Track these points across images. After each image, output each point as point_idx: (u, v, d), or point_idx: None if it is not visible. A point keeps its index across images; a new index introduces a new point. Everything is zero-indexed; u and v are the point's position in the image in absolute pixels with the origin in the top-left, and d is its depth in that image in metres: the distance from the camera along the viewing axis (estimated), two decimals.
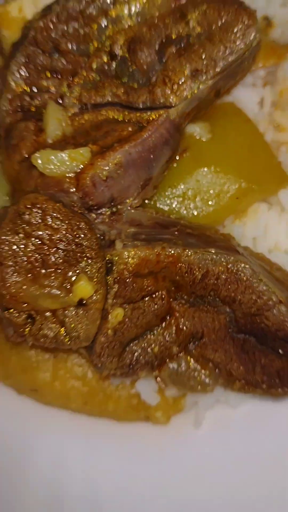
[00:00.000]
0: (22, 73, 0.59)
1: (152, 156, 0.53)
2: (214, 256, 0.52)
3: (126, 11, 0.55)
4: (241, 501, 0.56)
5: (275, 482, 0.56)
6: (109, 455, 0.59)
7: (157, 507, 0.54)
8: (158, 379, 0.62)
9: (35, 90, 0.59)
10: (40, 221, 0.48)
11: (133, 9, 0.55)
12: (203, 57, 0.53)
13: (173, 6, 0.55)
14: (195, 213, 0.58)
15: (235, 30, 0.53)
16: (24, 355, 0.61)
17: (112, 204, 0.57)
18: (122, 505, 0.56)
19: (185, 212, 0.58)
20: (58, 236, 0.49)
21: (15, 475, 0.57)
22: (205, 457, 0.57)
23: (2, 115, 0.58)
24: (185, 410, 0.62)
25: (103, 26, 0.56)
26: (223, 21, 0.54)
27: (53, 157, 0.52)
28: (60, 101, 0.55)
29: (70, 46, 0.56)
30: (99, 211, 0.56)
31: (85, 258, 0.50)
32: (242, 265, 0.52)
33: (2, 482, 0.57)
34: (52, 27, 0.56)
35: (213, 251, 0.52)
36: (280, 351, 0.53)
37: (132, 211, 0.58)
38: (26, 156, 0.54)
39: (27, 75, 0.59)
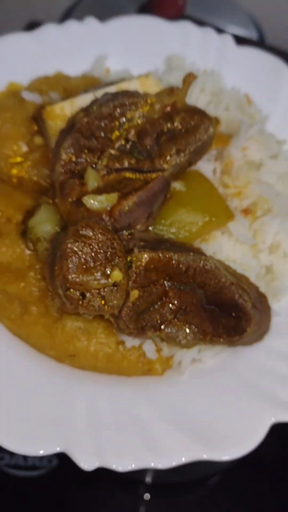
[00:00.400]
0: (70, 149, 0.81)
1: (153, 199, 0.79)
2: (192, 257, 0.76)
3: (136, 115, 0.81)
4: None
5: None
6: (125, 395, 0.84)
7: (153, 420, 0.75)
8: (156, 340, 0.90)
9: (78, 159, 0.83)
10: (90, 234, 0.77)
11: (140, 113, 0.81)
12: (183, 143, 0.80)
13: (164, 112, 0.83)
14: (178, 235, 0.83)
15: (201, 127, 0.81)
16: (67, 331, 0.80)
17: (129, 227, 0.80)
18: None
19: (171, 235, 0.84)
20: (101, 244, 0.77)
21: None
22: (186, 390, 0.79)
23: (57, 175, 0.81)
24: (173, 366, 0.82)
25: (122, 122, 0.81)
26: (194, 122, 0.81)
27: (96, 198, 0.76)
28: (94, 166, 0.86)
29: (101, 134, 0.81)
30: (121, 232, 0.85)
31: (117, 257, 0.77)
32: (209, 261, 0.76)
33: None
34: (91, 122, 0.80)
35: (192, 254, 0.79)
36: (233, 314, 0.77)
37: (140, 233, 0.89)
38: (75, 199, 0.83)
39: (73, 150, 0.81)
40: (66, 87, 1.01)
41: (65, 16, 1.35)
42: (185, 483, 1.10)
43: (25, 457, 1.13)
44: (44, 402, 0.76)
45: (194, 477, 1.12)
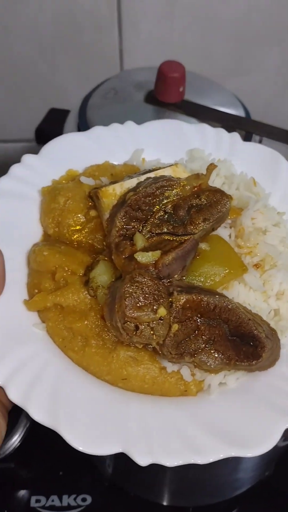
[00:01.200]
0: (123, 219, 1.06)
1: (187, 255, 0.92)
2: (218, 298, 0.95)
3: (172, 193, 1.03)
4: None
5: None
6: (166, 408, 1.02)
7: (191, 428, 0.94)
8: (191, 367, 1.10)
9: (128, 226, 1.17)
10: (142, 280, 1.00)
11: (175, 193, 1.05)
12: (208, 213, 1.04)
13: (193, 191, 1.17)
14: (205, 284, 1.06)
15: (221, 202, 1.04)
16: (121, 359, 0.98)
17: (169, 277, 1.10)
18: None
19: (200, 283, 1.06)
20: (150, 288, 0.99)
21: None
22: (215, 405, 0.96)
23: (113, 238, 1.01)
24: (204, 388, 1.00)
25: (162, 199, 1.02)
26: (216, 198, 1.05)
27: (144, 255, 0.97)
28: (141, 231, 1.12)
29: (146, 208, 1.04)
30: (163, 280, 1.09)
31: (162, 298, 0.99)
32: (232, 302, 0.97)
33: None
34: (138, 199, 1.03)
35: (217, 296, 1.04)
36: (251, 343, 0.91)
37: (177, 280, 1.13)
38: (128, 255, 1.08)
39: (125, 220, 1.03)
40: (113, 173, 1.28)
41: (83, 103, 1.58)
42: None
43: (60, 498, 1.26)
44: (104, 414, 0.94)
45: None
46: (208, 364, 0.99)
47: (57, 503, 1.19)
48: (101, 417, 0.94)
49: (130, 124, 1.39)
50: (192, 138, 1.38)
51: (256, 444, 0.91)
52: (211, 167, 1.10)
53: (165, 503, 1.21)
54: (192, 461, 0.89)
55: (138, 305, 0.95)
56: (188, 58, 1.69)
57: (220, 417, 0.96)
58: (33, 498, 1.16)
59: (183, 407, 0.99)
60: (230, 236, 1.19)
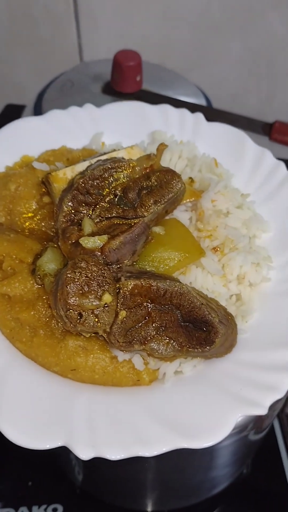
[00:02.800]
0: (70, 203, 1.06)
1: (136, 239, 0.91)
2: (169, 283, 0.91)
3: (122, 175, 1.00)
4: None
5: None
6: (118, 399, 0.97)
7: (141, 419, 0.89)
8: (143, 355, 1.05)
9: (76, 211, 1.13)
10: (86, 266, 0.96)
11: (125, 174, 1.00)
12: (159, 195, 1.00)
13: (143, 173, 1.12)
14: (159, 269, 0.99)
15: (172, 182, 1.01)
16: (69, 349, 0.94)
17: (118, 262, 1.05)
18: None
19: (153, 268, 0.99)
20: (94, 273, 0.95)
21: None
22: (168, 395, 0.92)
23: (60, 223, 1.01)
24: (159, 377, 0.96)
25: (111, 181, 0.99)
26: (167, 179, 1.02)
27: (90, 239, 0.96)
28: (89, 216, 1.08)
29: (94, 191, 1.02)
30: (111, 266, 1.05)
31: (107, 284, 0.95)
32: (184, 287, 0.91)
33: None
34: (86, 182, 1.00)
35: (168, 281, 0.99)
36: (204, 328, 0.91)
37: (127, 266, 1.08)
38: (74, 241, 1.04)
39: (72, 204, 1.04)
40: (69, 157, 1.24)
41: (39, 96, 1.56)
42: None
43: (29, 509, 1.18)
44: (49, 407, 0.90)
45: None
46: (159, 351, 0.94)
47: None
48: (45, 411, 0.90)
49: (89, 107, 1.34)
50: (154, 119, 1.34)
51: (206, 435, 0.86)
52: (161, 147, 1.05)
53: (141, 509, 1.16)
54: (138, 454, 0.85)
55: (81, 292, 0.91)
56: (149, 51, 1.65)
57: (171, 407, 0.91)
58: (1, 511, 1.12)
59: (133, 397, 0.94)
60: (190, 219, 1.16)
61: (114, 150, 1.17)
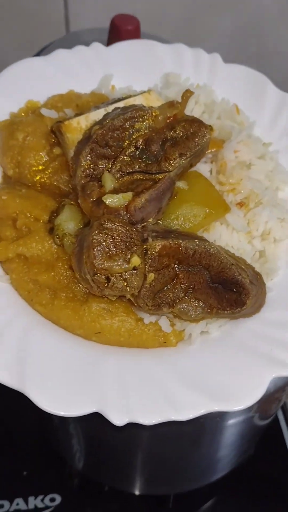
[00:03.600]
0: (88, 157, 0.93)
1: (162, 196, 0.86)
2: (197, 243, 0.86)
3: (143, 126, 0.93)
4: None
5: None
6: (145, 361, 0.93)
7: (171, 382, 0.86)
8: (170, 317, 1.03)
9: (95, 165, 0.95)
10: (112, 227, 0.90)
11: (147, 124, 0.94)
12: (184, 147, 0.93)
13: (167, 122, 0.97)
14: (184, 227, 0.93)
15: (199, 134, 0.94)
16: (93, 312, 0.91)
17: (142, 221, 0.99)
18: None
19: (178, 227, 0.95)
20: (121, 235, 0.89)
21: None
22: (196, 357, 0.90)
23: (79, 179, 0.91)
24: (185, 338, 0.94)
25: (132, 132, 0.93)
26: (193, 129, 0.94)
27: (114, 197, 0.88)
28: (110, 171, 1.00)
29: (114, 143, 0.93)
30: (136, 225, 0.99)
31: (135, 246, 0.89)
32: (212, 246, 0.87)
33: None
34: (105, 133, 0.92)
35: (197, 241, 0.94)
36: (234, 290, 0.86)
37: (152, 224, 1.02)
38: (95, 199, 0.97)
39: (91, 158, 0.92)
40: (78, 103, 1.15)
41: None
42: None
43: (25, 500, 1.11)
44: (78, 372, 0.87)
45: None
46: (188, 313, 0.91)
47: (22, 506, 1.07)
48: (73, 375, 0.87)
49: (97, 46, 1.22)
50: (167, 60, 1.24)
51: (241, 397, 0.85)
52: (187, 93, 0.97)
53: (144, 493, 1.15)
54: (172, 418, 0.83)
55: (108, 254, 0.86)
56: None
57: (201, 369, 0.89)
58: None
59: (162, 360, 0.92)
60: (211, 172, 1.09)
61: (130, 96, 1.08)
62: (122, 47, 1.22)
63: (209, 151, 1.08)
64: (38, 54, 1.51)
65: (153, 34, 1.53)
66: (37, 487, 1.11)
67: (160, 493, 1.21)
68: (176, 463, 1.16)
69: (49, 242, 0.96)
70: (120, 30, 1.40)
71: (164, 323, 0.95)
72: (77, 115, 1.08)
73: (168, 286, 0.91)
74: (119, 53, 1.21)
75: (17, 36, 1.62)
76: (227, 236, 1.01)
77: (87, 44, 1.24)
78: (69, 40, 1.49)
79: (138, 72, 1.21)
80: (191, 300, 0.92)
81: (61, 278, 0.95)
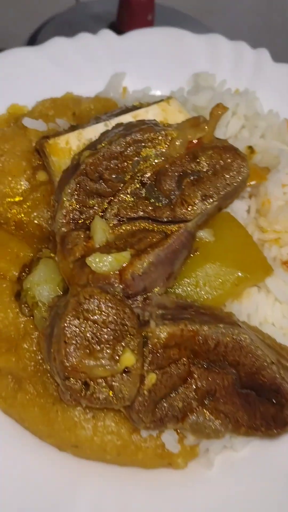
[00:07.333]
0: (74, 195, 0.68)
1: (174, 257, 0.67)
2: (223, 330, 0.63)
3: (153, 153, 0.69)
4: None
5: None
6: (139, 496, 0.70)
7: None
8: (179, 430, 0.75)
9: (83, 207, 0.69)
10: (96, 308, 0.62)
11: (159, 151, 0.69)
12: (210, 186, 0.68)
13: (188, 148, 0.69)
14: (206, 297, 0.70)
15: (233, 168, 0.68)
16: (67, 416, 0.67)
17: (144, 291, 0.70)
18: None
19: (197, 297, 0.70)
20: (109, 319, 0.62)
21: None
22: (216, 490, 0.66)
23: (58, 226, 0.68)
24: (200, 455, 0.69)
25: (136, 162, 0.69)
26: (224, 161, 0.68)
27: (103, 259, 0.62)
28: (102, 215, 0.72)
29: (111, 176, 0.69)
30: (135, 298, 0.71)
31: (129, 335, 0.63)
32: (243, 335, 0.63)
33: None
34: (98, 162, 0.68)
35: (222, 326, 0.63)
36: (274, 400, 0.64)
37: (159, 296, 0.70)
38: (79, 257, 0.69)
39: (77, 196, 0.69)
40: (76, 111, 0.90)
41: (30, 42, 1.34)
42: None
43: None
44: (39, 501, 0.62)
45: None
46: (205, 431, 0.65)
47: None
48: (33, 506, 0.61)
49: (106, 34, 0.94)
50: (199, 55, 0.95)
51: None
52: (218, 110, 0.68)
53: None
54: None
55: (87, 349, 0.58)
56: None
57: None
58: None
59: (162, 492, 0.67)
60: (248, 211, 0.82)
61: (141, 106, 0.79)
62: (139, 36, 0.94)
63: (248, 183, 0.79)
64: (42, 27, 1.36)
65: (168, 6, 1.39)
66: None
67: None
68: None
69: (15, 312, 0.70)
70: (132, 2, 1.24)
71: (168, 439, 0.68)
72: (72, 128, 0.83)
73: (177, 391, 0.65)
74: (135, 45, 0.94)
75: (19, 5, 1.51)
76: (267, 309, 0.76)
77: (96, 16, 1.01)
78: (76, 11, 1.39)
79: (159, 70, 0.94)
80: (210, 412, 0.65)
81: (28, 363, 0.69)
